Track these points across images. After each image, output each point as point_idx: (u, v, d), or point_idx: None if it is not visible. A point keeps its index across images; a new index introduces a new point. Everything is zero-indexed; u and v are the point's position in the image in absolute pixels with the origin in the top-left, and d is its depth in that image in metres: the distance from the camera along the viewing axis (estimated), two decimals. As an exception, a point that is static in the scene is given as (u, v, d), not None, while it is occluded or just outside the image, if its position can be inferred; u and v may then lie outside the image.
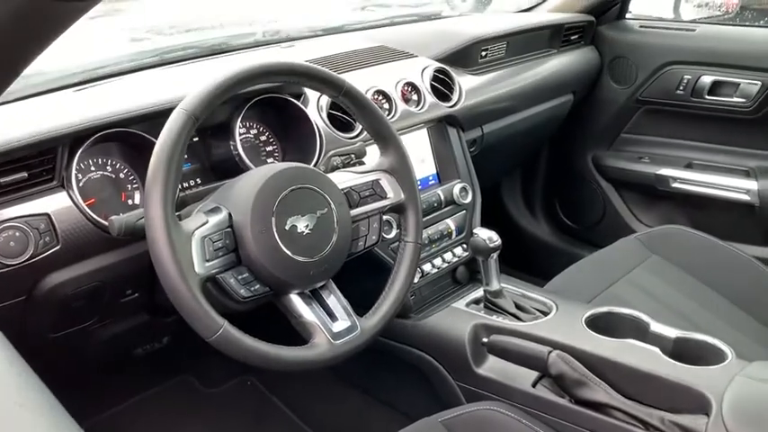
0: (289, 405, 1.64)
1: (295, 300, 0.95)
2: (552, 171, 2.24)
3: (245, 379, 1.73)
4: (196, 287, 0.82)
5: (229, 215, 0.91)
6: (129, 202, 1.11)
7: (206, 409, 1.68)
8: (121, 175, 1.11)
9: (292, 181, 0.94)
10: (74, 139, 1.00)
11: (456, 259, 1.45)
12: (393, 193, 1.07)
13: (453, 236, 1.44)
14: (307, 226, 0.94)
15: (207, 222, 0.88)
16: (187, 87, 1.14)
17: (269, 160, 1.27)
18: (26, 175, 0.96)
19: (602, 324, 1.19)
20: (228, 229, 0.89)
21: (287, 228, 0.92)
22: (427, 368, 1.31)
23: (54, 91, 1.22)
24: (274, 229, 0.91)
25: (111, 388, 1.62)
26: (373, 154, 1.22)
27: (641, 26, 1.98)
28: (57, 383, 1.44)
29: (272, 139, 1.29)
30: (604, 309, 1.24)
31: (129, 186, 1.12)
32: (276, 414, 1.64)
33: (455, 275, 1.47)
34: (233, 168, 1.15)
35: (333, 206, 0.97)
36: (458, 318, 1.30)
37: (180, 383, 1.71)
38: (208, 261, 0.86)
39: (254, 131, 1.27)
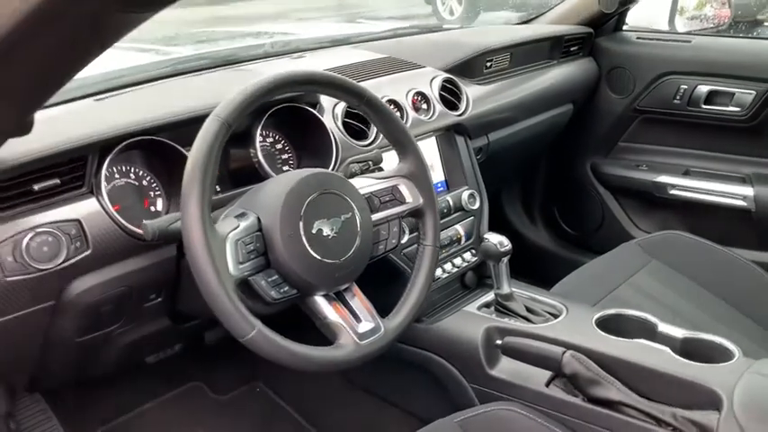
0: (299, 411, 1.66)
1: (320, 301, 0.98)
2: (551, 179, 2.28)
3: (254, 385, 1.75)
4: (231, 288, 0.85)
5: (258, 219, 0.93)
6: (152, 208, 1.13)
7: (216, 415, 1.69)
8: (144, 183, 1.13)
9: (318, 186, 0.97)
10: (103, 147, 1.02)
11: (465, 264, 1.48)
12: (412, 198, 1.11)
13: (462, 241, 1.48)
14: (332, 229, 0.97)
15: (239, 226, 0.91)
16: (207, 96, 1.18)
17: (284, 168, 1.30)
18: (58, 181, 0.98)
19: (611, 325, 1.23)
20: (258, 233, 0.92)
21: (314, 231, 0.95)
22: (440, 371, 1.34)
23: (74, 100, 1.24)
24: (302, 233, 0.94)
25: (122, 395, 1.64)
26: (389, 160, 1.25)
27: (638, 38, 2.04)
28: (70, 390, 1.46)
29: (287, 148, 1.32)
30: (613, 311, 1.28)
31: (152, 193, 1.14)
32: (286, 420, 1.65)
33: (464, 280, 1.51)
34: (252, 176, 1.18)
35: (356, 211, 1.00)
36: (470, 321, 1.33)
37: (190, 390, 1.72)
38: (241, 263, 0.89)
39: (270, 140, 1.30)
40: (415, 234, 1.26)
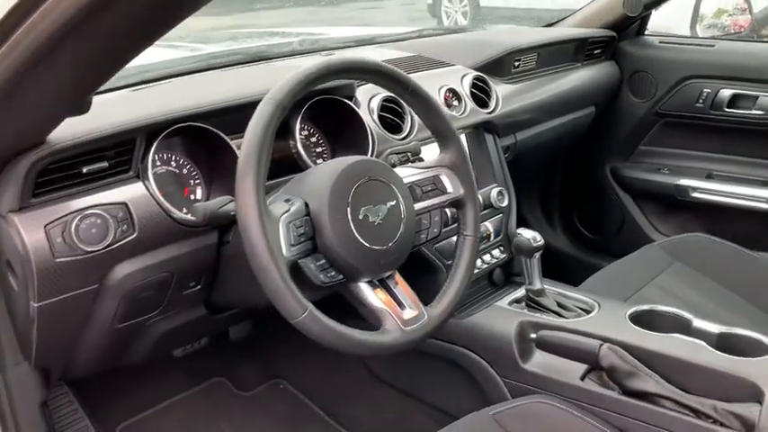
0: (324, 408, 1.65)
1: (364, 288, 0.98)
2: (571, 182, 2.29)
3: (277, 382, 1.75)
4: (285, 269, 0.85)
5: (305, 204, 0.94)
6: (192, 197, 1.14)
7: (240, 411, 1.68)
8: (184, 171, 1.14)
9: (365, 173, 0.98)
10: (150, 131, 1.03)
11: (494, 261, 1.48)
12: (453, 188, 1.11)
13: (491, 238, 1.48)
14: (378, 216, 0.97)
15: (289, 210, 0.91)
16: (246, 87, 1.19)
17: (318, 161, 1.30)
18: (106, 164, 0.99)
19: (644, 320, 1.23)
20: (307, 217, 0.92)
21: (360, 217, 0.95)
22: (471, 365, 1.34)
23: (112, 90, 1.25)
24: (349, 218, 0.94)
25: (146, 389, 1.63)
26: (427, 153, 1.26)
27: (661, 42, 2.06)
28: (96, 382, 1.45)
29: (321, 141, 1.33)
30: (646, 306, 1.28)
31: (192, 182, 1.15)
32: (311, 417, 1.65)
33: (492, 278, 1.51)
34: (289, 168, 1.18)
35: (400, 199, 1.01)
36: (502, 315, 1.33)
37: (213, 386, 1.71)
38: (293, 246, 0.89)
39: (306, 133, 1.31)
40: (447, 228, 1.27)
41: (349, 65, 0.99)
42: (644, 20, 2.06)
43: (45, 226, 0.92)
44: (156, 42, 0.75)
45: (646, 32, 2.11)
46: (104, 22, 0.65)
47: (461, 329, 1.35)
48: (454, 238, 1.32)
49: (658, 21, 2.17)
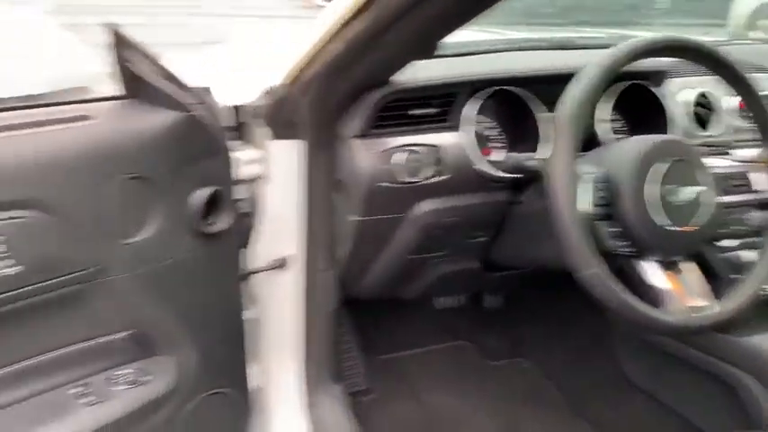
0: (566, 397, 1.66)
1: (652, 266, 0.97)
2: None
3: (521, 361, 1.79)
4: (583, 224, 0.89)
5: (607, 173, 0.96)
6: (488, 158, 1.22)
7: (480, 378, 1.76)
8: (489, 133, 1.23)
9: (673, 153, 0.97)
10: (472, 88, 1.14)
11: (787, 287, 1.35)
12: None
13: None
14: (678, 198, 0.96)
15: (593, 173, 0.95)
16: (559, 63, 1.24)
17: None
18: (433, 111, 1.12)
19: None
20: (607, 184, 0.95)
21: (659, 195, 0.95)
22: (741, 387, 1.24)
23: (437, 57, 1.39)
24: (648, 193, 0.94)
25: (402, 333, 1.79)
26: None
27: None
28: (365, 312, 1.62)
29: (622, 126, 1.33)
30: None
31: (493, 144, 1.23)
32: (550, 402, 1.66)
33: (780, 305, 1.37)
34: (586, 144, 1.21)
35: (704, 187, 0.98)
36: None
37: (461, 348, 1.82)
38: (594, 206, 0.92)
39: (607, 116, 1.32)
40: (747, 240, 1.18)
41: (684, 43, 0.98)
42: None
43: (378, 153, 1.08)
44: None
45: None
46: None
47: (738, 348, 1.25)
48: (744, 252, 1.24)
49: None
